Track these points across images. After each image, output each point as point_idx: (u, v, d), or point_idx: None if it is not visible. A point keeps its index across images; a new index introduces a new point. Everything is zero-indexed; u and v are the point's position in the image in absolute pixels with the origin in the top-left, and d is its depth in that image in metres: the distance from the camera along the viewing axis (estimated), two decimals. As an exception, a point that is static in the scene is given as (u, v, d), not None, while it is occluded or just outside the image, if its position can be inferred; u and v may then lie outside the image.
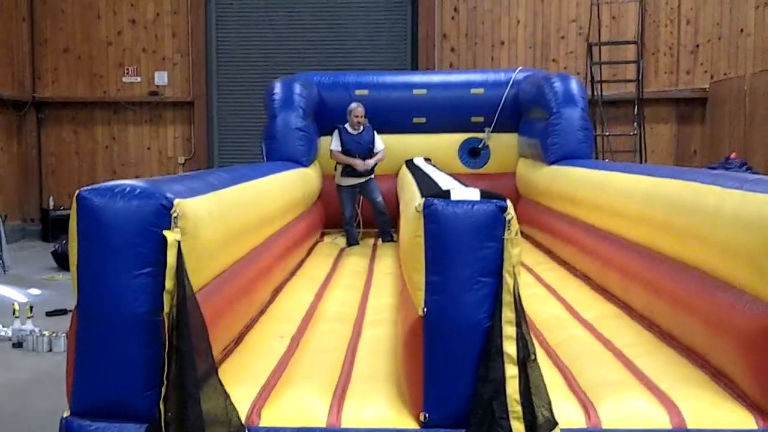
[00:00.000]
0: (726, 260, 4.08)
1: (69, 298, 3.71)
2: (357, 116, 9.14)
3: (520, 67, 11.08)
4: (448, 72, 12.94)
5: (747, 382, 3.77)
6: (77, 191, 3.65)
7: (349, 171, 9.26)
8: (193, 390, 3.51)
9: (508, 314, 3.59)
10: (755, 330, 3.67)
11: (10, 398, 6.03)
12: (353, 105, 9.22)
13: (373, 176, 9.45)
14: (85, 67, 14.49)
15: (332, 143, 9.24)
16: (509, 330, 3.58)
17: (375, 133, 9.37)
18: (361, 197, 9.60)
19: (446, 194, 3.78)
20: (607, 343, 4.78)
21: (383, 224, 9.47)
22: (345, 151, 9.19)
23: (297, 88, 9.63)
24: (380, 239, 9.46)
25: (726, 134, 12.43)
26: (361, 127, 9.22)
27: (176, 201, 3.65)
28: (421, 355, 3.69)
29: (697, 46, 13.75)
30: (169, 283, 3.52)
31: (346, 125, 9.24)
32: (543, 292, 6.34)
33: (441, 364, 3.66)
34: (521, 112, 10.21)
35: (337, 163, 9.38)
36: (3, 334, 7.48)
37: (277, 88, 9.64)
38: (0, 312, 7.91)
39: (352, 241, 9.35)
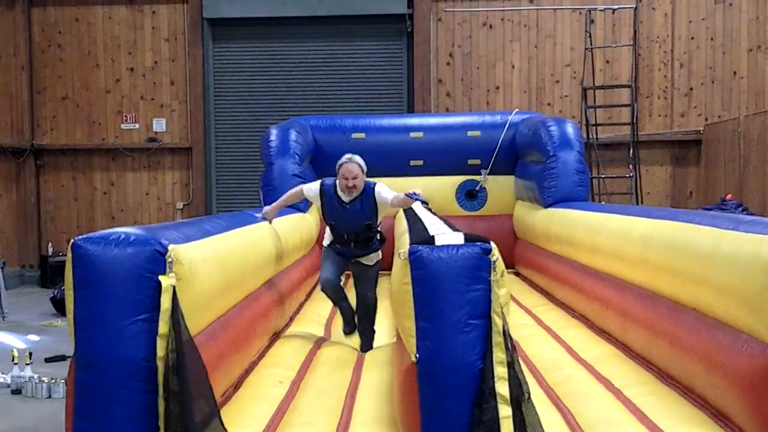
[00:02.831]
0: (723, 300, 4.10)
1: (68, 344, 3.72)
2: (347, 177, 5.98)
3: (516, 109, 11.17)
4: (445, 114, 13.03)
5: (746, 421, 3.77)
6: (72, 240, 3.69)
7: (338, 248, 6.31)
8: (195, 431, 3.51)
9: (499, 355, 3.61)
10: (754, 370, 3.68)
11: (9, 446, 5.99)
12: (344, 159, 6.07)
13: (375, 260, 6.39)
14: (83, 114, 14.57)
15: (309, 189, 6.34)
16: (501, 370, 3.59)
17: (379, 190, 6.08)
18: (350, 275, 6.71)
19: (431, 240, 3.82)
20: (606, 383, 4.79)
21: (367, 318, 6.36)
22: (329, 224, 6.31)
23: (293, 135, 9.69)
24: (360, 349, 6.25)
25: (721, 176, 12.49)
26: (355, 193, 6.04)
27: (171, 246, 3.68)
28: (417, 400, 3.70)
29: (691, 89, 13.86)
30: (163, 327, 3.55)
31: (337, 184, 6.12)
32: (542, 333, 6.35)
33: (436, 407, 3.67)
34: (518, 155, 10.27)
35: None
36: (2, 380, 7.43)
37: (273, 135, 9.70)
38: (-2, 358, 7.89)
39: (348, 325, 6.41)
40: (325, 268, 6.29)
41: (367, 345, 6.26)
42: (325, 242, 6.39)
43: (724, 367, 3.97)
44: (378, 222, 6.23)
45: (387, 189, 6.10)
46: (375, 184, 6.09)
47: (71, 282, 3.65)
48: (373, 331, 6.34)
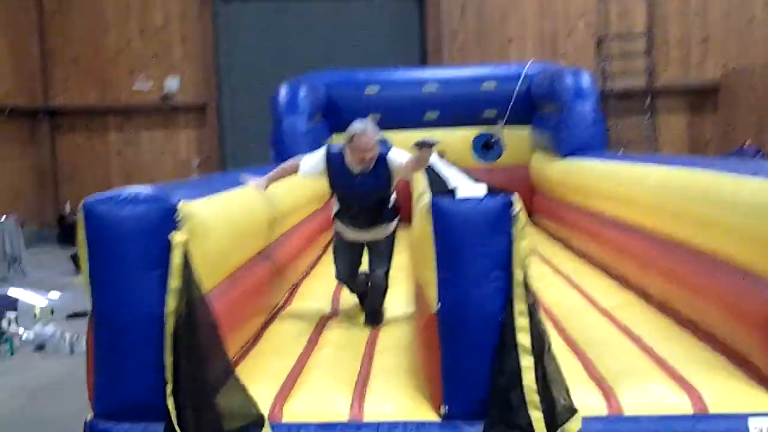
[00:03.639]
0: (742, 246, 4.10)
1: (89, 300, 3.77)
2: (363, 149, 5.03)
3: (531, 60, 11.07)
4: (460, 67, 12.92)
5: (765, 363, 3.77)
6: (82, 201, 3.71)
7: (345, 218, 5.51)
8: (208, 386, 3.55)
9: (520, 306, 3.62)
10: (773, 313, 3.68)
11: (34, 400, 6.07)
12: (357, 128, 5.05)
13: (389, 231, 5.52)
14: (95, 75, 14.56)
15: (306, 164, 5.36)
16: (522, 322, 3.60)
17: (393, 158, 5.12)
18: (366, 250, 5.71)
19: (452, 192, 3.81)
20: (626, 331, 4.79)
21: (374, 300, 5.57)
22: (336, 195, 5.49)
23: (302, 91, 9.65)
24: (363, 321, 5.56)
25: (739, 123, 12.39)
26: (371, 165, 5.12)
27: (181, 203, 3.69)
28: (438, 349, 3.72)
29: (707, 36, 13.70)
30: (174, 282, 3.57)
31: (345, 153, 5.16)
32: (561, 282, 6.36)
33: (457, 358, 3.69)
34: (534, 106, 10.21)
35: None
36: (25, 337, 7.53)
37: (282, 92, 9.67)
38: (21, 315, 7.96)
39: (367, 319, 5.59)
40: (338, 261, 5.72)
41: (370, 321, 5.51)
42: (333, 210, 5.58)
43: (743, 311, 3.97)
44: (392, 191, 5.42)
45: (400, 153, 5.20)
46: (387, 151, 5.17)
47: (84, 242, 3.69)
48: (380, 314, 5.56)
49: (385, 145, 5.22)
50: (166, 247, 3.61)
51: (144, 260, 3.63)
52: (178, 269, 3.58)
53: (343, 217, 5.47)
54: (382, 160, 5.12)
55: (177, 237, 3.62)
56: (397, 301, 5.88)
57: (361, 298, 5.76)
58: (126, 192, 3.72)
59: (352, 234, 5.52)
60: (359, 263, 5.71)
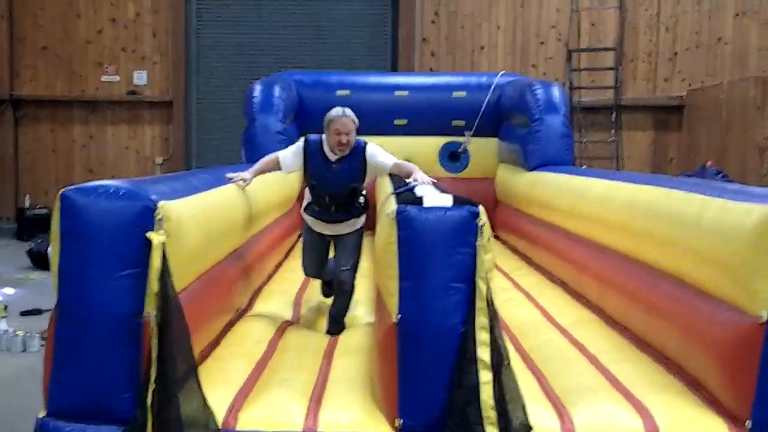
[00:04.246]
0: (704, 269, 4.11)
1: (44, 297, 3.72)
2: (341, 132, 5.26)
3: (503, 71, 11.10)
4: (431, 74, 12.95)
5: (721, 389, 3.80)
6: (61, 191, 3.66)
7: (316, 210, 5.65)
8: (174, 391, 3.53)
9: (481, 320, 3.62)
10: (731, 338, 3.72)
11: (-16, 398, 5.99)
12: (335, 113, 5.32)
13: (357, 226, 5.69)
14: (63, 65, 14.39)
15: (286, 157, 5.57)
16: (483, 336, 3.61)
17: (372, 151, 5.42)
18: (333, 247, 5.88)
19: (419, 201, 3.81)
20: (582, 349, 4.81)
21: (339, 301, 5.63)
22: (309, 184, 5.61)
23: (276, 90, 9.59)
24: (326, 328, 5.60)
25: (703, 142, 12.52)
26: (347, 151, 5.35)
27: (161, 203, 3.66)
28: (396, 361, 3.72)
29: (676, 53, 13.83)
30: (154, 285, 3.54)
31: (323, 141, 5.40)
32: (519, 297, 6.37)
33: (415, 370, 3.68)
34: (503, 117, 10.23)
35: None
36: (-23, 333, 7.42)
37: (256, 90, 9.59)
38: (-26, 311, 7.85)
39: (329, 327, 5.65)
40: (305, 256, 5.88)
41: (331, 327, 5.55)
42: (304, 203, 5.76)
43: (702, 335, 4.00)
44: (363, 185, 5.59)
45: (382, 151, 5.44)
46: (366, 143, 5.43)
47: (57, 233, 3.62)
48: (343, 324, 5.58)
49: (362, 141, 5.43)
50: (141, 246, 3.57)
51: (117, 257, 3.58)
52: (157, 272, 3.54)
53: (314, 208, 5.60)
54: (359, 149, 5.36)
55: (157, 238, 3.57)
56: (358, 308, 5.88)
57: (330, 289, 5.84)
58: (106, 185, 3.67)
59: (320, 227, 5.67)
60: (326, 259, 5.86)
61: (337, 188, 5.45)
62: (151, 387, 3.50)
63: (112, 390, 3.59)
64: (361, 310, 5.86)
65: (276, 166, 5.63)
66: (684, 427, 3.70)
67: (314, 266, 5.87)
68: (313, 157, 5.43)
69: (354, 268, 5.64)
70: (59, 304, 3.63)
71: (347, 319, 5.69)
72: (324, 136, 5.38)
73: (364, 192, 5.66)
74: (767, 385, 3.55)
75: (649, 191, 5.07)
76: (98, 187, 3.66)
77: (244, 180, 5.53)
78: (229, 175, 5.49)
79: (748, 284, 3.65)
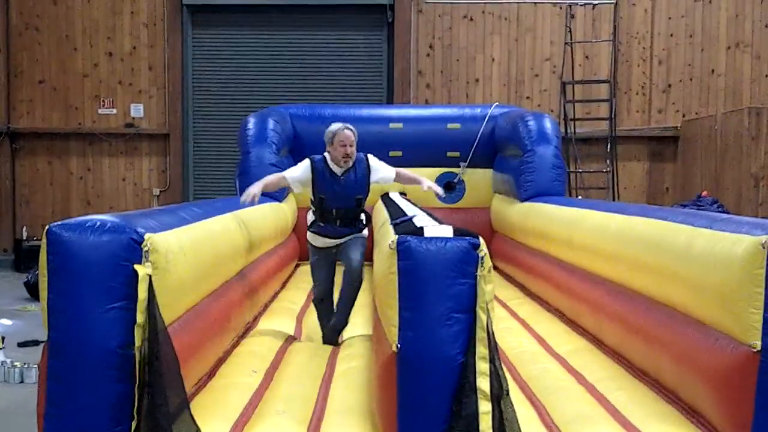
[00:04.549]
0: (697, 298, 4.13)
1: (41, 328, 3.71)
2: (345, 144, 5.76)
3: (497, 103, 11.18)
4: (425, 106, 13.02)
5: (717, 418, 3.80)
6: (47, 226, 3.66)
7: (321, 227, 6.00)
8: (164, 424, 3.50)
9: (481, 350, 3.61)
10: (725, 367, 3.72)
11: (-20, 431, 5.95)
12: (337, 126, 5.86)
13: (363, 232, 6.12)
14: (60, 98, 14.45)
15: (293, 174, 6.03)
16: (483, 366, 3.60)
17: (374, 163, 6.07)
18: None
19: (420, 231, 3.82)
20: (579, 378, 4.81)
21: (347, 293, 6.00)
22: (318, 199, 5.92)
23: (270, 123, 9.64)
24: (322, 339, 6.11)
25: (697, 172, 12.59)
26: (350, 163, 5.86)
27: (147, 235, 3.67)
28: (395, 390, 3.70)
29: (669, 85, 13.94)
30: (140, 317, 3.54)
31: (327, 158, 5.90)
32: (516, 326, 6.38)
33: (414, 399, 3.67)
34: (497, 148, 10.29)
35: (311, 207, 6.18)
36: (-26, 365, 7.39)
37: (251, 123, 9.64)
38: (-29, 343, 7.82)
39: (327, 336, 6.09)
40: (316, 275, 6.18)
41: (330, 335, 5.97)
42: (309, 220, 6.10)
43: (697, 364, 4.00)
44: (367, 195, 6.00)
45: (383, 163, 6.05)
46: (366, 155, 5.98)
47: (45, 268, 3.63)
48: (345, 323, 6.00)
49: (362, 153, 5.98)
50: (129, 279, 3.57)
51: (105, 291, 3.58)
52: (143, 303, 3.55)
53: (320, 225, 5.95)
54: (362, 161, 5.92)
55: (143, 270, 3.58)
56: (356, 337, 5.88)
57: (324, 327, 6.11)
58: (92, 219, 3.68)
59: (326, 242, 6.01)
60: (333, 278, 6.20)
61: (344, 200, 5.86)
62: (139, 419, 3.48)
63: (105, 423, 3.57)
64: (358, 340, 5.85)
65: (281, 184, 6.07)
66: (682, 456, 3.70)
67: (324, 284, 6.16)
68: (320, 172, 5.84)
69: (362, 262, 5.91)
70: (50, 338, 3.62)
71: (344, 344, 5.77)
72: (326, 154, 5.86)
73: (365, 211, 6.09)
74: (764, 413, 3.56)
75: (639, 222, 5.10)
76: (85, 221, 3.66)
77: (254, 195, 5.81)
78: (243, 199, 5.84)
79: (739, 314, 3.66)
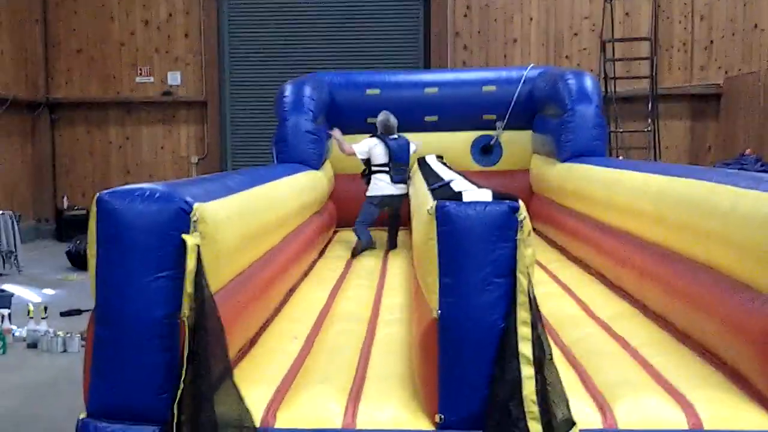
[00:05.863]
0: (741, 260, 4.06)
1: (83, 298, 3.74)
2: (395, 124, 8.75)
3: (531, 64, 11.05)
4: (460, 70, 12.90)
5: (764, 382, 3.74)
6: (97, 194, 3.66)
7: (391, 173, 8.56)
8: (207, 393, 3.52)
9: (522, 315, 3.57)
10: (771, 330, 3.66)
11: (26, 399, 6.05)
12: (386, 114, 8.82)
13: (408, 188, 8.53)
14: (98, 67, 14.55)
15: (369, 149, 8.68)
16: (524, 331, 3.56)
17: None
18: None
19: (458, 196, 3.77)
20: (622, 343, 4.76)
21: (395, 228, 8.81)
22: (389, 159, 8.58)
23: (307, 91, 9.60)
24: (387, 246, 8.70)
25: (740, 130, 12.37)
26: (397, 135, 8.76)
27: (196, 205, 3.65)
28: (436, 357, 3.68)
29: (711, 41, 13.69)
30: (189, 286, 3.53)
31: (385, 134, 8.70)
32: (558, 291, 6.32)
33: (456, 365, 3.64)
34: (536, 109, 10.17)
35: (367, 172, 8.80)
36: (18, 334, 7.50)
37: (288, 91, 9.61)
38: (14, 312, 7.95)
39: (365, 242, 8.52)
40: (367, 216, 8.59)
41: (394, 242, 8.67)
42: (378, 190, 8.59)
43: (741, 327, 3.93)
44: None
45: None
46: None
47: (94, 237, 3.63)
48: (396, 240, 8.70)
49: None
50: (177, 248, 3.56)
51: (154, 260, 3.57)
52: (192, 274, 3.55)
53: (392, 176, 8.50)
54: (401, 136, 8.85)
55: (191, 240, 3.57)
56: (395, 304, 5.87)
57: (364, 243, 8.42)
58: (141, 188, 3.67)
59: (390, 189, 8.55)
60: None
61: (406, 157, 8.72)
62: (182, 388, 3.50)
63: (150, 391, 3.59)
64: (397, 307, 5.85)
65: (347, 151, 8.77)
66: (727, 421, 3.64)
67: (371, 218, 8.62)
68: (390, 142, 8.59)
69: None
70: (97, 306, 3.64)
71: (384, 309, 5.85)
72: (383, 133, 8.71)
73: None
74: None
75: (681, 182, 5.01)
76: (134, 190, 3.65)
77: (339, 139, 8.97)
78: (332, 133, 9.18)
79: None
